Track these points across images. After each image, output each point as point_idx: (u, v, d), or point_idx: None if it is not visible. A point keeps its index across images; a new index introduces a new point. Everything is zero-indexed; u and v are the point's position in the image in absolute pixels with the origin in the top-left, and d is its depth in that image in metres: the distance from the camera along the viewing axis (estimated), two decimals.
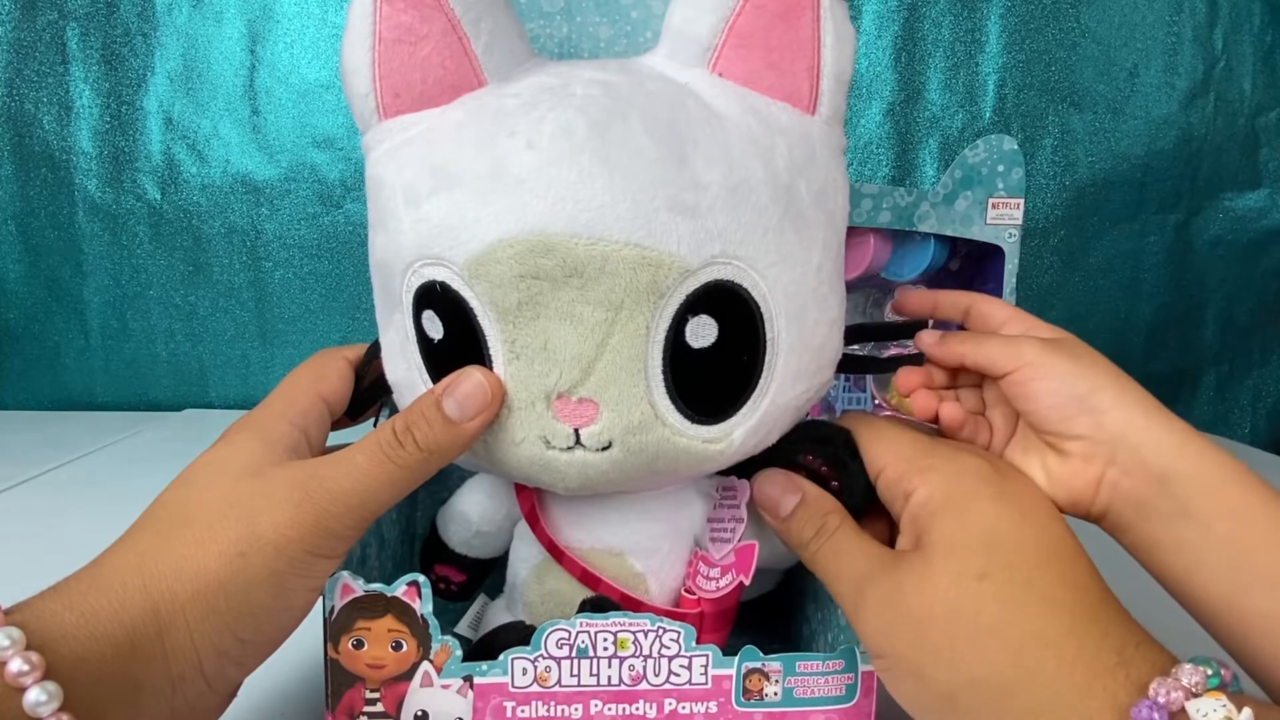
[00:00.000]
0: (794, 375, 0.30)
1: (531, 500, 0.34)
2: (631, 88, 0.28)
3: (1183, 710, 0.22)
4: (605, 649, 0.29)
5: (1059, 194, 0.85)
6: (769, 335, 0.29)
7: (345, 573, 0.29)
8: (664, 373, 0.28)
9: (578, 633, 0.29)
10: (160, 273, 0.88)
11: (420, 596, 0.29)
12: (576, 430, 0.28)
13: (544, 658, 0.29)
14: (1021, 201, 0.57)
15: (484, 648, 0.32)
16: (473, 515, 0.37)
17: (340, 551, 0.28)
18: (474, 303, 0.28)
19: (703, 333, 0.28)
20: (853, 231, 0.59)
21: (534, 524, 0.34)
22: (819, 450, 0.33)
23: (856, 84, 0.85)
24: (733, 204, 0.27)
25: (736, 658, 0.29)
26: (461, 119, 0.29)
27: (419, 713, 0.29)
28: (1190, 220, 0.87)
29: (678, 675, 0.29)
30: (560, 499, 0.34)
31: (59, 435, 0.79)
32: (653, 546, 0.33)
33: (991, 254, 0.57)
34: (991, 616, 0.25)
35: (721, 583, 0.32)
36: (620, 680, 0.29)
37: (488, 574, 0.39)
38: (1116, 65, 0.84)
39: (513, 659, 0.29)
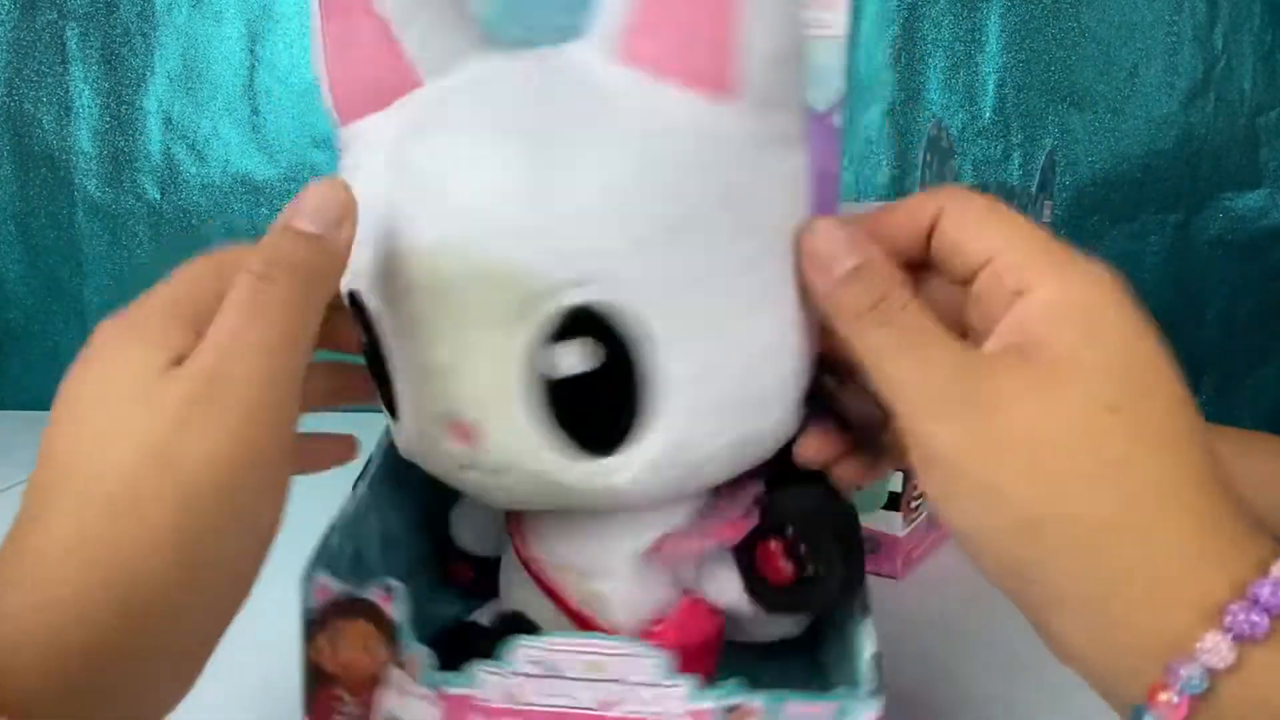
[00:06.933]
0: (707, 407, 0.27)
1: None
2: (524, 91, 0.27)
3: None
4: (577, 670, 0.28)
5: (1059, 194, 0.85)
6: (650, 361, 0.26)
7: (323, 574, 0.29)
8: (536, 399, 0.26)
9: (547, 651, 0.28)
10: (160, 273, 0.88)
11: (393, 601, 0.28)
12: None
13: (514, 674, 0.28)
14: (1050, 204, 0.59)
15: (455, 637, 0.32)
16: (466, 521, 0.37)
17: (291, 447, 0.24)
18: (375, 316, 0.28)
19: (570, 358, 0.26)
20: None
21: (511, 531, 0.34)
22: (790, 522, 0.29)
23: (856, 84, 0.85)
24: (598, 217, 0.25)
25: (717, 692, 0.27)
26: (384, 124, 0.29)
27: (389, 718, 0.29)
28: (1190, 220, 0.87)
29: (653, 705, 0.27)
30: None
31: None
32: (609, 568, 0.31)
33: None
34: (1116, 453, 0.21)
35: None
36: (593, 704, 0.28)
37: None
38: (1116, 65, 0.84)
39: (483, 672, 0.28)
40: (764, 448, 0.29)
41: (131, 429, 0.22)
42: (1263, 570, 0.19)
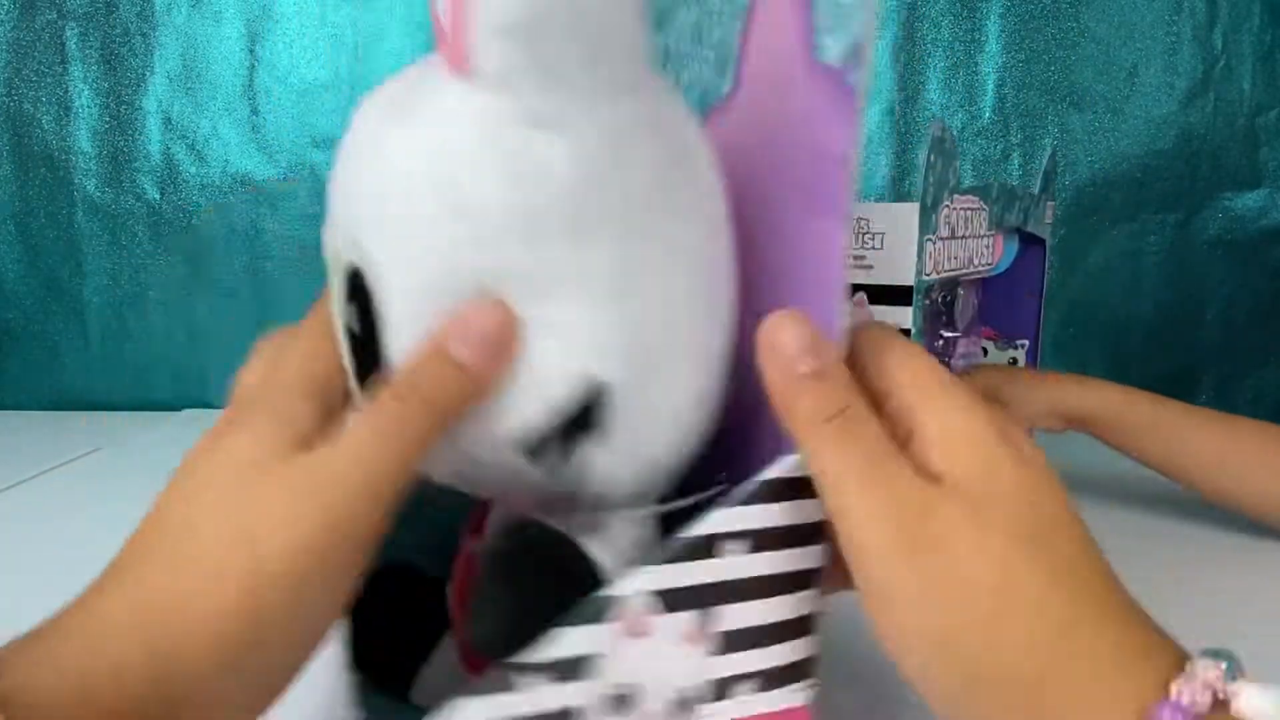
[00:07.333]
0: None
1: None
2: (393, 93, 0.28)
3: (1217, 705, 0.20)
4: None
5: (1059, 194, 0.85)
6: (383, 340, 0.26)
7: None
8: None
9: None
10: (160, 273, 0.88)
11: None
12: None
13: None
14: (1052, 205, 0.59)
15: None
16: None
17: (364, 558, 0.23)
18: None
19: (343, 315, 0.27)
20: None
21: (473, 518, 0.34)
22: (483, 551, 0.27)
23: None
24: (363, 200, 0.26)
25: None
26: None
27: None
28: (1190, 220, 0.87)
29: None
30: None
31: (58, 435, 0.79)
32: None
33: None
34: (1038, 591, 0.21)
35: None
36: None
37: None
38: (1116, 65, 0.84)
39: None
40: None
41: (227, 506, 0.22)
42: (1163, 688, 0.21)
